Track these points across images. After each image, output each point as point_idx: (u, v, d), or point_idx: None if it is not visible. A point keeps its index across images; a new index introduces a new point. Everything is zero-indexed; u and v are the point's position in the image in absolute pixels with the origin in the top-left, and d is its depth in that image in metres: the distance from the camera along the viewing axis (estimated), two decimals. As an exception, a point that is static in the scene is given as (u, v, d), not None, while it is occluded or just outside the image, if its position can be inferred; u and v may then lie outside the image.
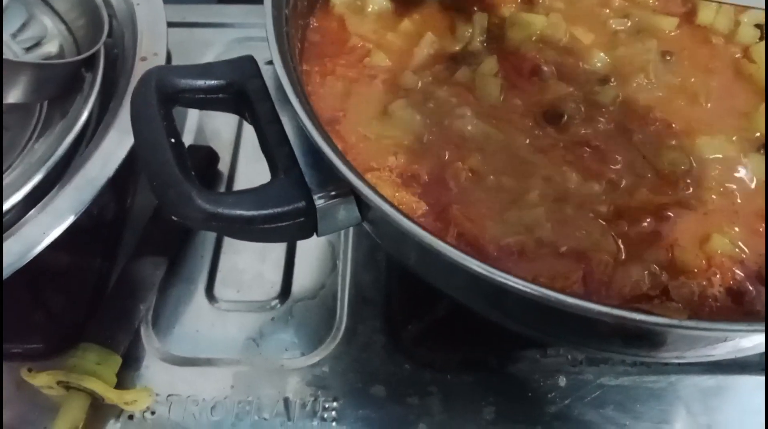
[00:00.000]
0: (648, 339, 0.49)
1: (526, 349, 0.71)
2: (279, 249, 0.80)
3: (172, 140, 0.51)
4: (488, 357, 0.72)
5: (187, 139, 0.88)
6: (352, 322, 0.75)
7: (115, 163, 0.67)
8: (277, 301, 0.77)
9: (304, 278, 0.79)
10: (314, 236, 0.57)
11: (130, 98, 0.53)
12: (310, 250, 0.80)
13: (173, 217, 0.49)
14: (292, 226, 0.53)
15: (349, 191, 0.53)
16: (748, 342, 0.50)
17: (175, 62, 0.95)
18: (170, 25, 0.84)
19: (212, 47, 0.98)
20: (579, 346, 0.60)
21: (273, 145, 0.55)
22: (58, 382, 0.68)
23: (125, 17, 0.83)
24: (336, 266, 0.79)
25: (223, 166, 0.87)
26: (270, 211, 0.51)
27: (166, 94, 0.54)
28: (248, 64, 0.58)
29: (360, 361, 0.72)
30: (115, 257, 0.78)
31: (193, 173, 0.51)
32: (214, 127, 0.90)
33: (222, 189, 0.85)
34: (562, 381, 0.70)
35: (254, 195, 0.52)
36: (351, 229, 0.81)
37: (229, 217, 0.50)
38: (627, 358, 0.69)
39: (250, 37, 0.98)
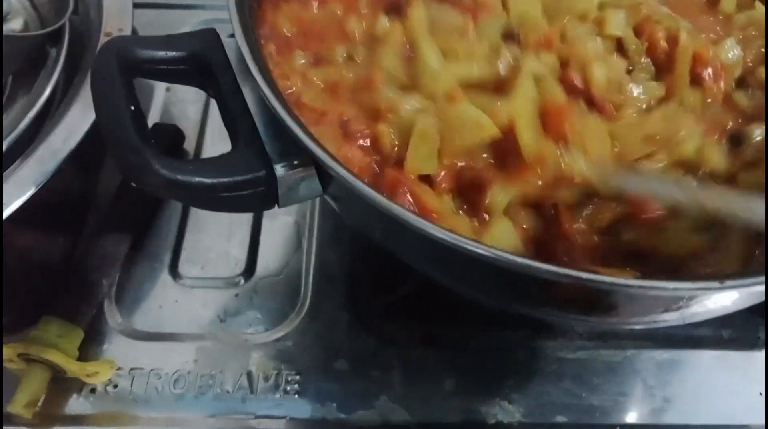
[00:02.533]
0: (599, 302, 0.50)
1: (487, 325, 0.73)
2: (244, 228, 0.81)
3: (132, 108, 0.51)
4: (449, 332, 0.73)
5: (153, 119, 0.88)
6: (316, 298, 0.76)
7: (78, 136, 0.67)
8: (241, 277, 0.77)
9: (269, 256, 0.79)
10: (276, 208, 0.57)
11: (91, 66, 0.53)
12: (276, 229, 0.81)
13: (133, 184, 0.49)
14: (253, 196, 0.54)
15: (310, 162, 0.54)
16: (698, 307, 0.51)
17: (142, 42, 0.95)
18: (139, 6, 0.83)
19: (180, 29, 0.94)
20: (535, 312, 0.61)
21: (234, 116, 0.55)
22: (19, 355, 0.67)
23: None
24: (301, 244, 0.80)
25: (189, 146, 0.87)
26: (230, 179, 0.52)
27: (127, 64, 0.54)
28: (210, 36, 0.58)
29: (324, 336, 0.73)
30: (79, 233, 0.78)
31: (153, 141, 0.51)
32: (181, 107, 0.90)
33: (188, 168, 0.85)
34: (521, 355, 0.71)
35: (215, 163, 0.53)
36: (316, 209, 0.82)
37: (188, 185, 0.51)
38: (581, 325, 0.71)
39: (218, 18, 0.98)
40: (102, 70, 0.52)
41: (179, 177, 0.50)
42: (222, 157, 0.54)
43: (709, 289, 0.45)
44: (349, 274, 0.77)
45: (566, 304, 0.53)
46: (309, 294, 0.76)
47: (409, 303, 0.73)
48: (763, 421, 0.68)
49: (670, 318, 0.53)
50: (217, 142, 0.87)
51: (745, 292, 0.50)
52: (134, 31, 0.83)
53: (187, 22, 0.99)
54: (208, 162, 0.53)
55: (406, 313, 0.74)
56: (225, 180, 0.52)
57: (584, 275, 0.45)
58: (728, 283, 0.45)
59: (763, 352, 0.72)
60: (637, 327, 0.66)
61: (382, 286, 0.75)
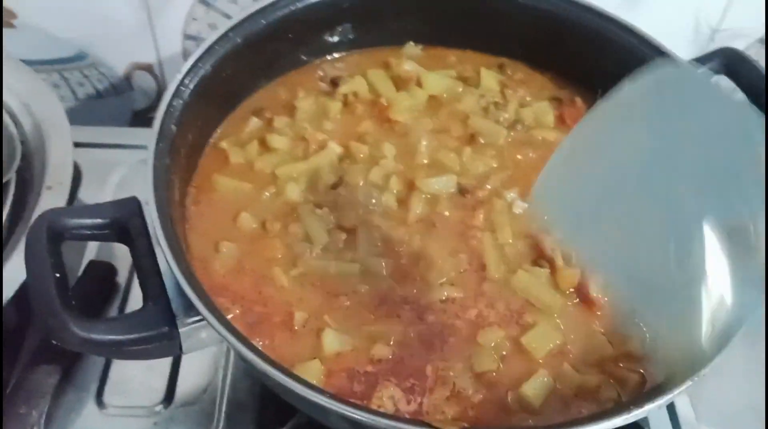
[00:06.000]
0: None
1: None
2: (165, 360, 0.89)
3: (57, 275, 0.61)
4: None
5: (90, 255, 0.97)
6: (228, 426, 0.83)
7: (17, 284, 0.76)
8: (161, 406, 0.85)
9: (187, 385, 0.87)
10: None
11: (26, 237, 0.63)
12: (194, 360, 0.88)
13: (53, 341, 0.59)
14: (158, 347, 0.63)
15: (208, 318, 0.63)
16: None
17: (84, 180, 1.05)
18: (83, 145, 0.95)
19: (120, 166, 1.07)
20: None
21: (146, 275, 0.65)
22: (-53, 486, 0.74)
23: (36, 141, 0.93)
24: (217, 374, 0.88)
25: (122, 279, 0.96)
26: (137, 335, 0.61)
27: (56, 233, 0.64)
28: (132, 204, 0.68)
29: (234, 461, 0.81)
30: (13, 366, 0.85)
31: (73, 303, 0.61)
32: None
33: (119, 300, 0.93)
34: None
35: (124, 321, 0.62)
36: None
37: (100, 342, 0.60)
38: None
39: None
40: (33, 243, 0.62)
41: (93, 336, 0.59)
42: (131, 314, 0.63)
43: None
44: (260, 402, 0.85)
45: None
46: (221, 421, 0.84)
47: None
48: None
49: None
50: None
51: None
52: (77, 168, 0.93)
53: (126, 161, 1.08)
54: (118, 320, 0.63)
55: (308, 439, 0.82)
56: (132, 336, 0.61)
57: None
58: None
59: None
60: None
61: (287, 413, 0.83)
